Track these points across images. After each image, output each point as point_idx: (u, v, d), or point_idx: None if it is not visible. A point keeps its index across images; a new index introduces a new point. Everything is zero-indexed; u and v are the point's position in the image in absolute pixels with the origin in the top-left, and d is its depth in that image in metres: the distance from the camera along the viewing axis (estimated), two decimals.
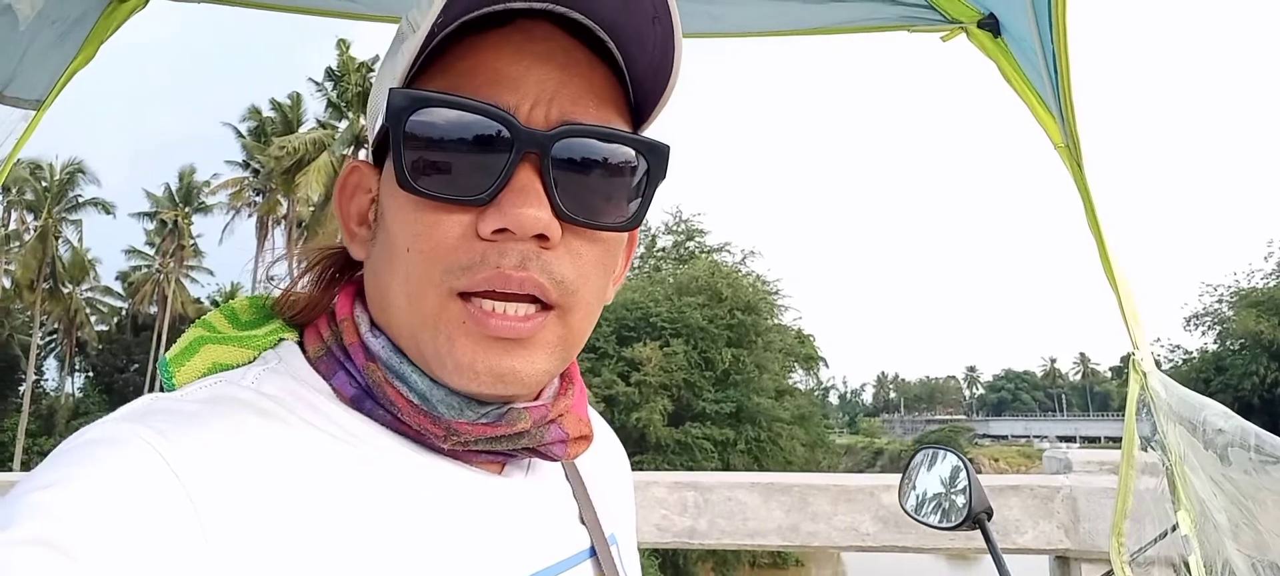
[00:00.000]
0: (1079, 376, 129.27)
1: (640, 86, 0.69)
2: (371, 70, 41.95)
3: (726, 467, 26.46)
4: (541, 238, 0.61)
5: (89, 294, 48.87)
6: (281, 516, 0.55)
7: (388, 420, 0.65)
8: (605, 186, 0.64)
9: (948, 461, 1.57)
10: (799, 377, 34.78)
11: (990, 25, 1.51)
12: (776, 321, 31.31)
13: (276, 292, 0.76)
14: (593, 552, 0.78)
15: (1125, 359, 1.51)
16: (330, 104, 42.15)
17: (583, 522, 0.79)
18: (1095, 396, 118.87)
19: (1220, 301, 39.31)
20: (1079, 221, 1.54)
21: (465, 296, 0.62)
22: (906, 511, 1.61)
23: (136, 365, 48.43)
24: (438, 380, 0.64)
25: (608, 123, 0.65)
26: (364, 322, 0.68)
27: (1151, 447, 1.44)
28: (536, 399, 0.70)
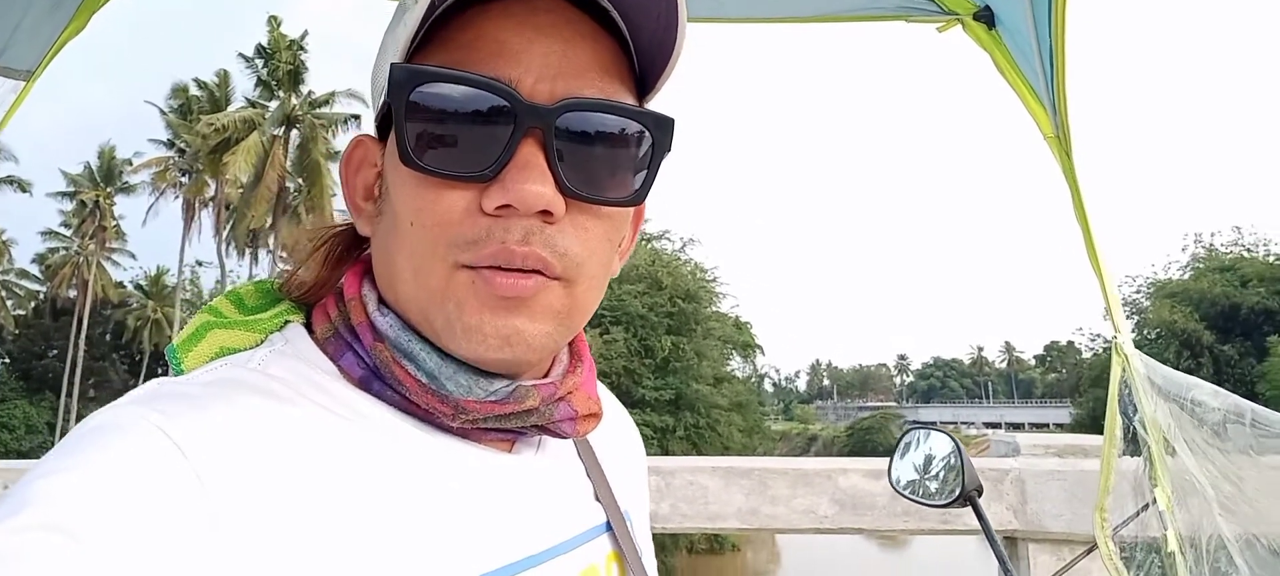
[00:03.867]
0: (1005, 364, 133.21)
1: (644, 55, 0.68)
2: (303, 48, 40.94)
3: (665, 453, 26.63)
4: (545, 213, 0.61)
5: (4, 277, 46.83)
6: (290, 496, 0.55)
7: (396, 400, 0.65)
8: (610, 160, 0.64)
9: (940, 441, 1.62)
10: (737, 365, 35.13)
11: (986, 17, 1.55)
12: (715, 309, 31.56)
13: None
14: (608, 527, 0.78)
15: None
16: (260, 82, 41.02)
17: (597, 499, 0.79)
18: (1020, 384, 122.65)
19: (1138, 292, 40.76)
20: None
21: (470, 269, 0.62)
22: (898, 489, 1.65)
23: (55, 351, 46.58)
24: (448, 350, 0.64)
25: (612, 96, 0.64)
26: (371, 301, 0.67)
27: (1132, 427, 1.50)
28: (545, 376, 0.70)
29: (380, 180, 0.70)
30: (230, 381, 0.61)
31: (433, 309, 0.63)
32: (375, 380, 0.65)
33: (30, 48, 1.42)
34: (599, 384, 0.82)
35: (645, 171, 0.66)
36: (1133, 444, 1.53)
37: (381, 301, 0.67)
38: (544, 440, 0.75)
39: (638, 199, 0.67)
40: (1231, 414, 1.15)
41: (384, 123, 0.69)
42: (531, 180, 0.59)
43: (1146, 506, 1.48)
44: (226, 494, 0.52)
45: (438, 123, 0.61)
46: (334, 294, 0.71)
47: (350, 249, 0.75)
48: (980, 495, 1.53)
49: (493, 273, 0.61)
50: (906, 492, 1.63)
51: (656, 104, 0.71)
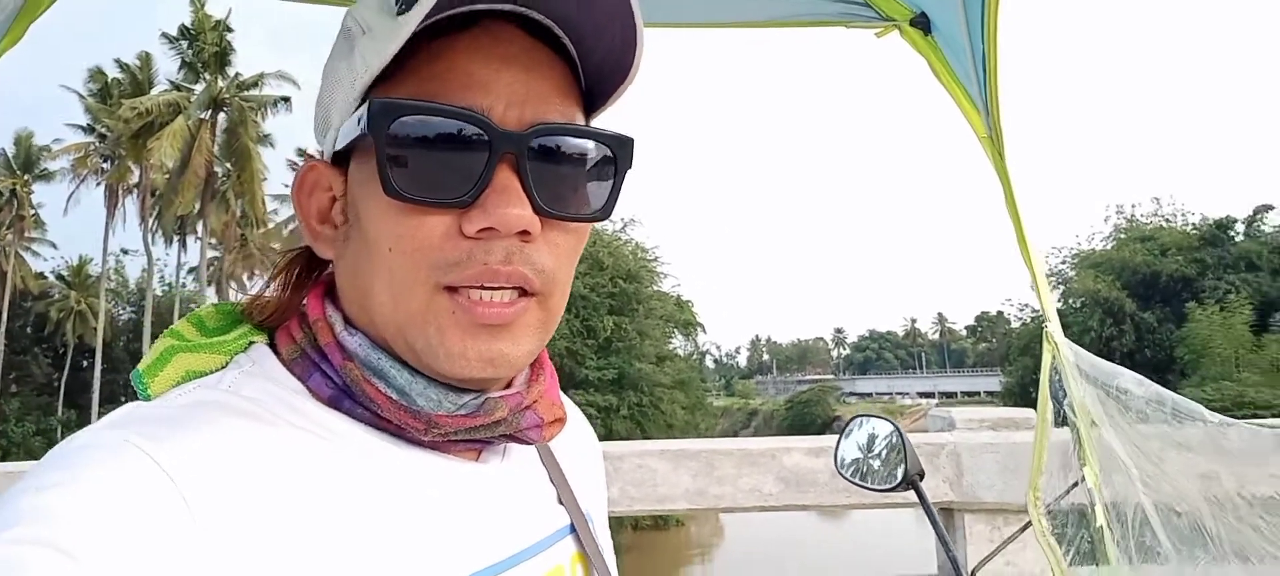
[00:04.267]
0: (938, 335, 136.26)
1: (593, 76, 0.72)
2: (229, 28, 39.68)
3: (609, 433, 26.72)
4: (524, 233, 0.64)
5: None
6: (271, 513, 0.57)
7: (366, 417, 0.67)
8: (578, 180, 0.68)
9: (882, 427, 1.69)
10: (678, 343, 35.36)
11: (922, 23, 1.61)
12: (656, 288, 31.67)
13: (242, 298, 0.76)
14: (572, 529, 0.82)
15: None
16: (185, 64, 39.66)
17: (561, 503, 0.83)
18: (952, 354, 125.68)
19: (1063, 262, 41.93)
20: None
21: (452, 289, 0.64)
22: (843, 475, 1.73)
23: None
24: (428, 370, 0.66)
25: (571, 118, 0.69)
26: (338, 322, 0.70)
27: (1062, 411, 1.59)
28: (509, 387, 0.73)
29: (337, 204, 0.72)
30: (207, 403, 0.63)
31: (413, 331, 0.65)
32: (345, 398, 0.67)
33: None
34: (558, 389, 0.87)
35: (611, 187, 0.70)
36: (1063, 426, 1.62)
37: (347, 323, 0.70)
38: (509, 447, 0.78)
39: (605, 214, 0.71)
40: (1153, 400, 1.25)
41: (343, 151, 0.70)
42: (511, 203, 0.63)
43: (1076, 484, 1.58)
44: (212, 515, 0.54)
45: (416, 152, 0.63)
46: (297, 316, 0.73)
47: (308, 270, 0.77)
48: (922, 478, 1.60)
49: (474, 301, 0.64)
50: (852, 478, 1.70)
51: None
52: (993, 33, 1.49)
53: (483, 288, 0.64)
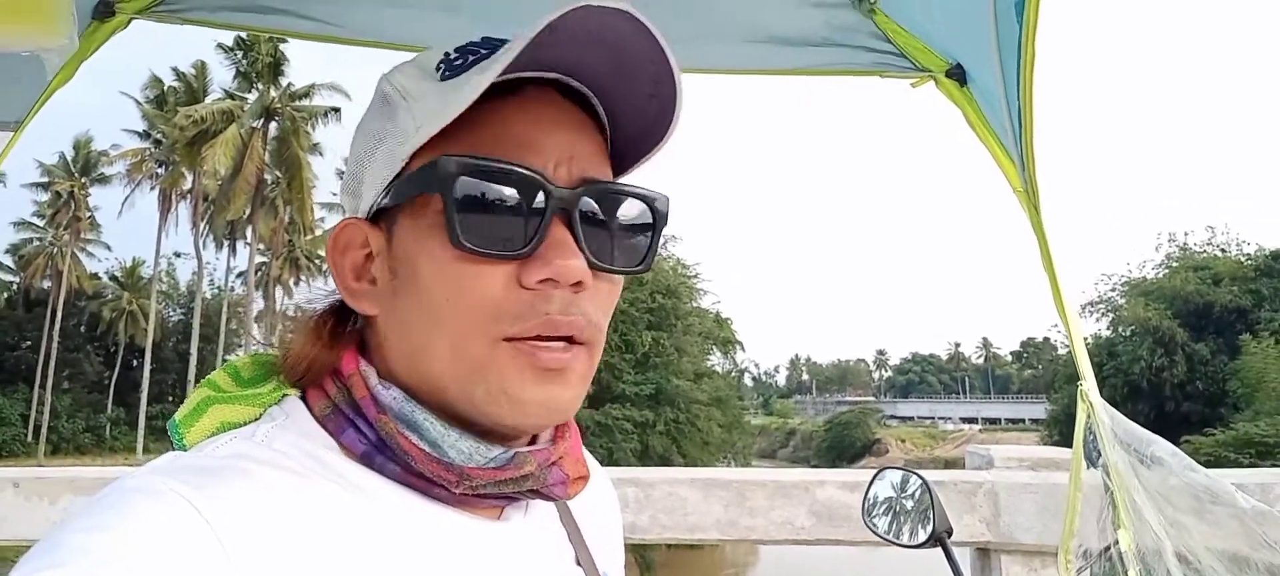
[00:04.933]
0: (982, 360, 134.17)
1: (619, 144, 0.76)
2: (283, 39, 40.53)
3: (645, 448, 26.72)
4: (577, 284, 0.68)
5: None
6: (302, 563, 0.59)
7: (397, 474, 0.68)
8: (624, 234, 0.73)
9: (911, 481, 1.67)
10: (717, 360, 35.27)
11: (958, 74, 1.61)
12: (696, 305, 31.67)
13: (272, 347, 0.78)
14: None
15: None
16: (239, 73, 40.64)
17: (578, 564, 0.84)
18: (997, 379, 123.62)
19: (1113, 290, 41.11)
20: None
21: (510, 339, 0.67)
22: (872, 529, 1.71)
23: (29, 342, 46.07)
24: (485, 418, 0.69)
25: (607, 177, 0.73)
26: (372, 376, 0.71)
27: (1095, 470, 1.56)
28: (535, 442, 0.75)
29: (376, 261, 0.73)
30: (243, 455, 0.65)
31: (473, 380, 0.67)
32: (377, 454, 0.68)
33: (20, 99, 1.44)
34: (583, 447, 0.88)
35: (650, 241, 0.75)
36: (1096, 487, 1.59)
37: (380, 376, 0.71)
38: (531, 505, 0.79)
39: (646, 266, 0.75)
40: (1186, 475, 1.22)
41: (382, 211, 0.72)
42: (569, 255, 0.67)
43: (1108, 548, 1.54)
44: (247, 561, 0.56)
45: (479, 206, 0.66)
46: (330, 373, 0.74)
47: (340, 324, 0.79)
48: (950, 536, 1.58)
49: (536, 346, 0.67)
50: (879, 532, 1.69)
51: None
52: (1028, 87, 1.48)
53: (541, 337, 0.67)
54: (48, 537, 0.53)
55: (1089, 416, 1.58)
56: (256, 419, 0.72)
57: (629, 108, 0.73)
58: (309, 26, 1.76)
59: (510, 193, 0.67)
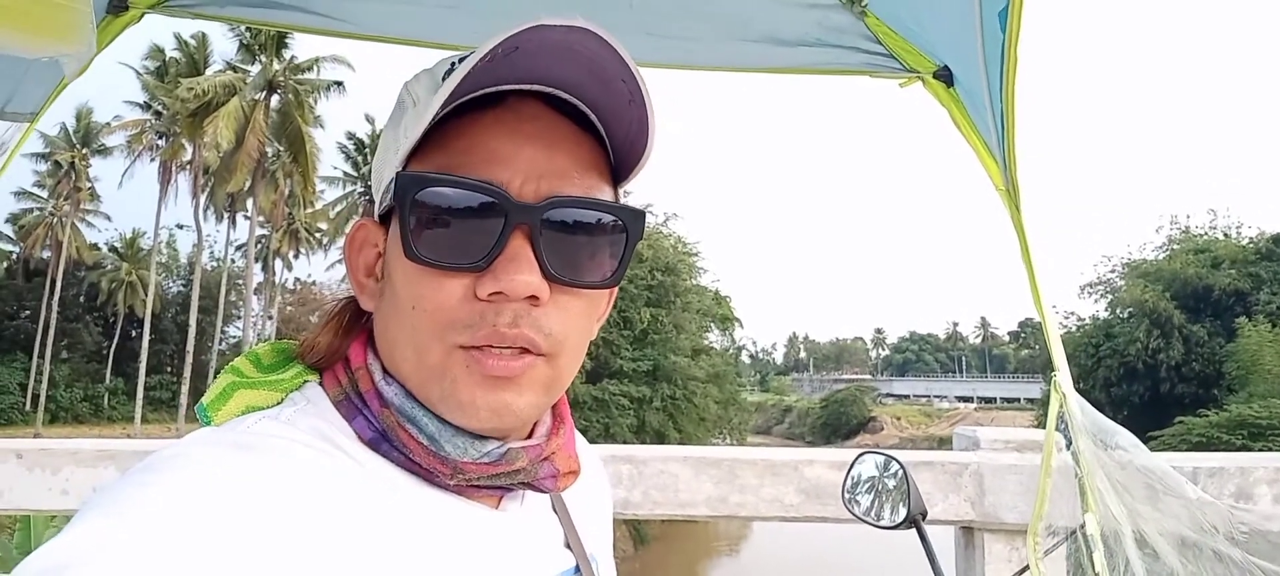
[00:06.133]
0: (980, 339, 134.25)
1: (619, 152, 0.78)
2: (289, 34, 40.18)
3: (641, 424, 26.82)
4: (532, 298, 0.69)
5: None
6: (323, 530, 0.65)
7: (401, 460, 0.73)
8: (588, 248, 0.73)
9: (889, 466, 1.75)
10: (714, 337, 35.37)
11: (945, 76, 1.66)
12: (695, 282, 31.71)
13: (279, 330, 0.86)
14: (577, 571, 0.89)
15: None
16: (242, 45, 40.41)
17: (568, 547, 0.90)
18: (994, 359, 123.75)
19: (1112, 271, 41.00)
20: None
21: (464, 348, 0.70)
22: (850, 509, 1.78)
23: (28, 312, 46.09)
24: (445, 420, 0.72)
25: (590, 191, 0.73)
26: (376, 371, 0.76)
27: (1066, 458, 1.64)
28: (530, 438, 0.79)
29: (381, 260, 0.80)
30: (271, 434, 0.71)
31: (431, 383, 0.73)
32: (383, 442, 0.74)
33: (35, 93, 1.50)
34: (578, 437, 0.94)
35: (620, 256, 0.76)
36: (1067, 474, 1.66)
37: (385, 371, 0.77)
38: (526, 494, 0.85)
39: (613, 282, 0.76)
40: (1143, 467, 1.29)
41: (387, 213, 0.78)
42: (520, 270, 0.69)
43: (1073, 532, 1.62)
44: (275, 524, 0.62)
45: (438, 221, 0.70)
46: (342, 361, 0.80)
47: (356, 318, 0.85)
48: (925, 518, 1.65)
49: (485, 354, 0.71)
50: (857, 513, 1.76)
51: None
52: (1011, 91, 1.54)
53: (490, 346, 0.71)
54: (104, 491, 0.59)
55: (1062, 407, 1.66)
56: (279, 403, 0.77)
57: (615, 117, 0.74)
58: (317, 22, 1.81)
59: (468, 207, 0.69)
